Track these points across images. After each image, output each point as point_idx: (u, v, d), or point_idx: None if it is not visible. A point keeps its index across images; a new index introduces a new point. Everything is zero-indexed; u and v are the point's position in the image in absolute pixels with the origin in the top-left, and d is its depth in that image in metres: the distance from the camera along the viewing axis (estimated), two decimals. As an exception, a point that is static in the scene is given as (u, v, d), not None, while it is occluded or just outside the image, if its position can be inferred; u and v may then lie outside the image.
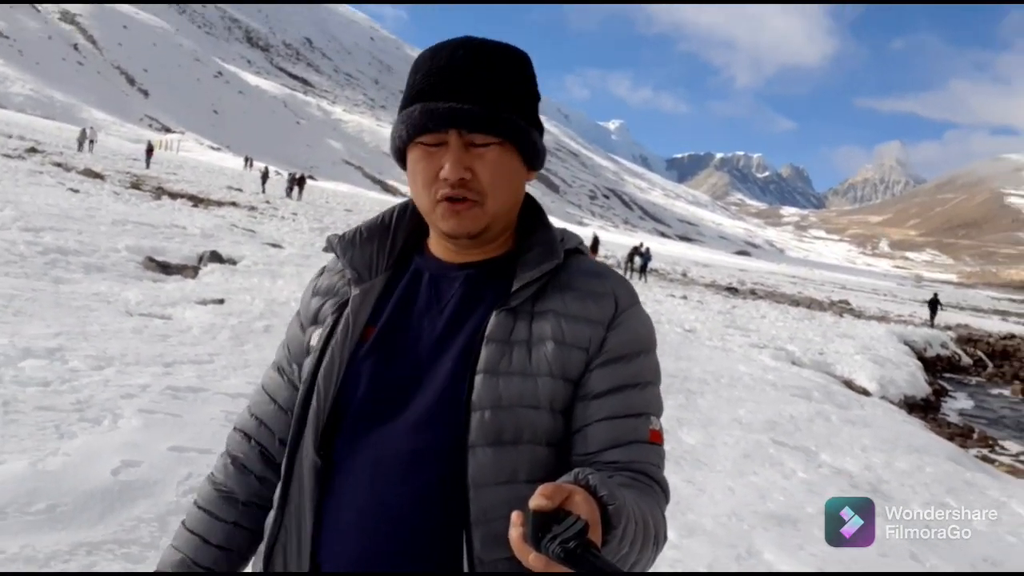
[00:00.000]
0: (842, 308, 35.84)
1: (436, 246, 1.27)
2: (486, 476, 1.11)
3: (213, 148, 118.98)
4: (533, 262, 1.20)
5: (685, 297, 25.64)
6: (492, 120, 1.15)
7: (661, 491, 1.14)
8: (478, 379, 1.13)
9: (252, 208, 26.71)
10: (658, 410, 1.20)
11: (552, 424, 1.15)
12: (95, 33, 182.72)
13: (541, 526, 0.81)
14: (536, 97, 1.24)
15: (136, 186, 26.10)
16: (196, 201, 24.35)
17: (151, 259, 9.84)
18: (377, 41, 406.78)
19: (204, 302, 7.92)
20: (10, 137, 36.79)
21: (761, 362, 13.24)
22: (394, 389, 1.18)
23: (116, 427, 4.06)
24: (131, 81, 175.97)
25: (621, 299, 1.21)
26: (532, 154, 1.22)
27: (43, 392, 4.36)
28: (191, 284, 9.05)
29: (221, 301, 8.08)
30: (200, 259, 10.73)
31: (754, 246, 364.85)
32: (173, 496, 3.50)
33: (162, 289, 8.43)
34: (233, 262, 11.05)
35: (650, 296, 23.05)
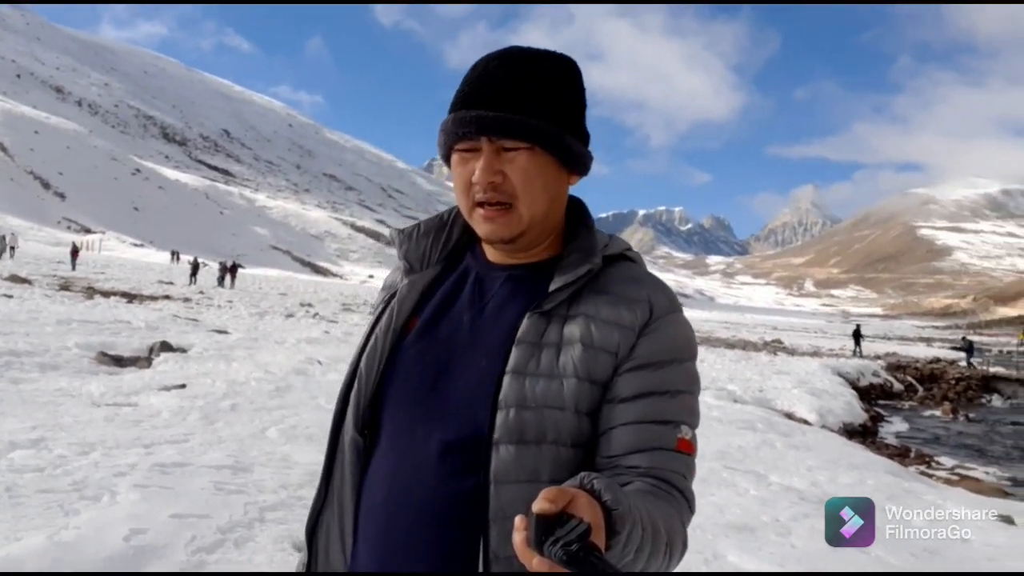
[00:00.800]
0: (776, 347, 36.95)
1: (486, 247, 1.31)
2: (508, 473, 1.12)
3: (136, 245, 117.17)
4: (570, 266, 1.22)
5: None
6: (519, 125, 1.18)
7: (684, 500, 1.13)
8: (506, 379, 1.15)
9: (187, 300, 26.57)
10: (691, 419, 1.18)
11: (577, 425, 1.15)
12: (5, 140, 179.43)
13: (544, 529, 0.82)
14: (578, 103, 1.26)
15: (66, 288, 25.80)
16: (130, 298, 24.18)
17: (103, 354, 9.94)
18: (296, 127, 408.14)
19: (167, 388, 8.10)
20: (-74, 250, 35.97)
21: (704, 402, 13.74)
22: (429, 379, 1.22)
23: (116, 502, 4.29)
24: (46, 185, 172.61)
25: (657, 306, 1.21)
26: (568, 158, 1.23)
27: (40, 477, 4.57)
28: (148, 373, 9.20)
29: (183, 386, 8.27)
30: (151, 350, 10.84)
31: (685, 296, 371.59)
32: (184, 556, 3.74)
33: (122, 380, 8.57)
34: (184, 350, 11.18)
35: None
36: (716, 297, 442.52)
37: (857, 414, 17.83)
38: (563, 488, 0.86)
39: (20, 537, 3.63)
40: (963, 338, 40.95)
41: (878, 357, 33.98)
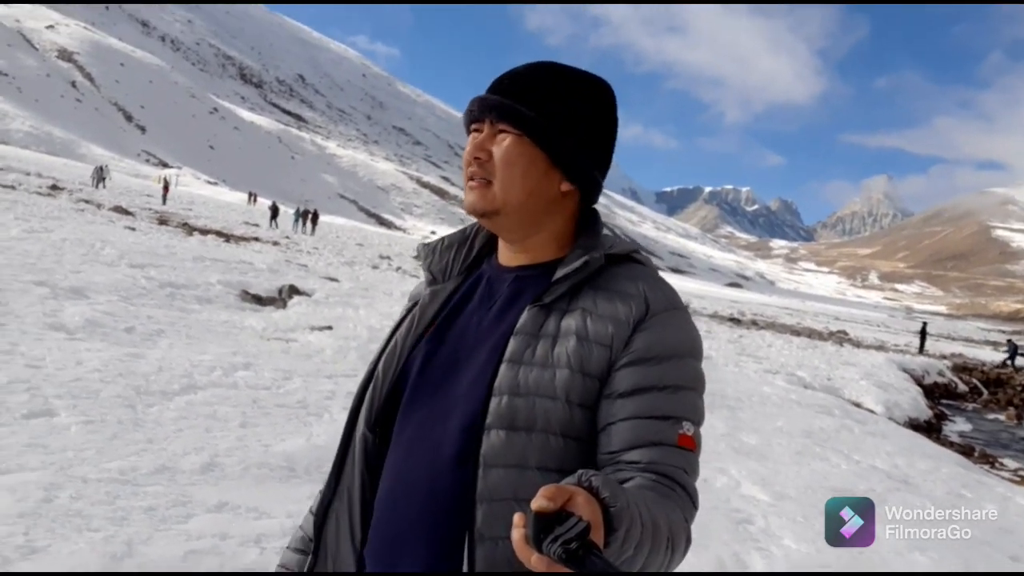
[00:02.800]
0: (841, 338, 37.14)
1: (501, 252, 1.37)
2: (497, 457, 1.17)
3: (210, 183, 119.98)
4: (569, 261, 1.26)
5: (694, 327, 26.82)
6: (509, 110, 1.25)
7: (686, 496, 1.14)
8: (502, 367, 1.20)
9: (276, 243, 27.74)
10: (693, 416, 1.19)
11: (567, 416, 1.18)
12: (92, 71, 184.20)
13: (543, 527, 0.83)
14: (597, 121, 1.31)
15: (164, 222, 26.94)
16: (225, 237, 25.23)
17: (246, 292, 11.02)
18: (369, 78, 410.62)
19: (317, 328, 9.13)
20: (28, 175, 37.65)
21: (778, 385, 14.40)
22: (436, 377, 1.28)
23: (335, 419, 5.29)
24: (128, 117, 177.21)
25: (654, 302, 1.22)
26: (558, 156, 1.27)
27: (270, 394, 5.61)
28: (292, 314, 10.23)
29: (330, 327, 9.30)
30: (280, 291, 11.91)
31: (745, 278, 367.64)
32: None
33: (271, 318, 9.62)
34: (308, 294, 12.23)
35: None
36: (777, 281, 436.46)
37: (922, 410, 18.27)
38: (562, 486, 0.87)
39: (284, 439, 4.64)
40: (1008, 340, 41.20)
41: (944, 357, 34.00)
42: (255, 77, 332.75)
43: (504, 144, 1.26)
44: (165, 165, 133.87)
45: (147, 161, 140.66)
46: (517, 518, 0.85)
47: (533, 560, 0.82)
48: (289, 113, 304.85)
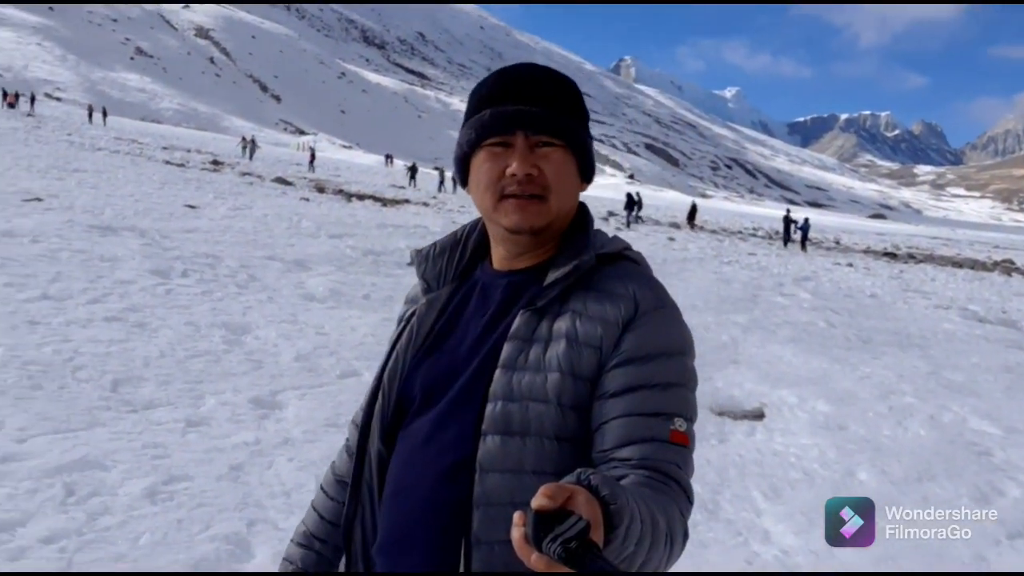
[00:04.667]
0: (1008, 267, 35.32)
1: (494, 256, 1.37)
2: (493, 462, 1.18)
3: (345, 147, 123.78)
4: (560, 264, 1.27)
5: (851, 265, 26.12)
6: (556, 123, 1.26)
7: (681, 490, 1.14)
8: (496, 373, 1.21)
9: (426, 204, 28.67)
10: (686, 412, 1.20)
11: (560, 419, 1.19)
12: (228, 45, 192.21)
13: (543, 526, 0.83)
14: (587, 116, 1.34)
15: (321, 190, 28.16)
16: (382, 202, 26.25)
17: (435, 255, 11.75)
18: (487, 29, 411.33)
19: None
20: (189, 151, 39.88)
21: (952, 320, 14.07)
22: (436, 386, 1.30)
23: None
24: (264, 88, 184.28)
25: (642, 302, 1.23)
26: (587, 164, 1.32)
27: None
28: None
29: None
30: (462, 253, 12.59)
31: (889, 208, 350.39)
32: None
33: (468, 279, 10.29)
34: (487, 254, 12.88)
35: (819, 266, 23.73)
36: (924, 210, 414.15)
37: (1116, 343, 17.47)
38: (562, 484, 0.87)
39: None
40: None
41: None
42: (377, 39, 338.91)
43: (554, 158, 1.26)
44: (301, 132, 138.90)
45: (285, 130, 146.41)
46: (517, 517, 0.85)
47: (533, 559, 0.82)
48: (412, 72, 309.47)
